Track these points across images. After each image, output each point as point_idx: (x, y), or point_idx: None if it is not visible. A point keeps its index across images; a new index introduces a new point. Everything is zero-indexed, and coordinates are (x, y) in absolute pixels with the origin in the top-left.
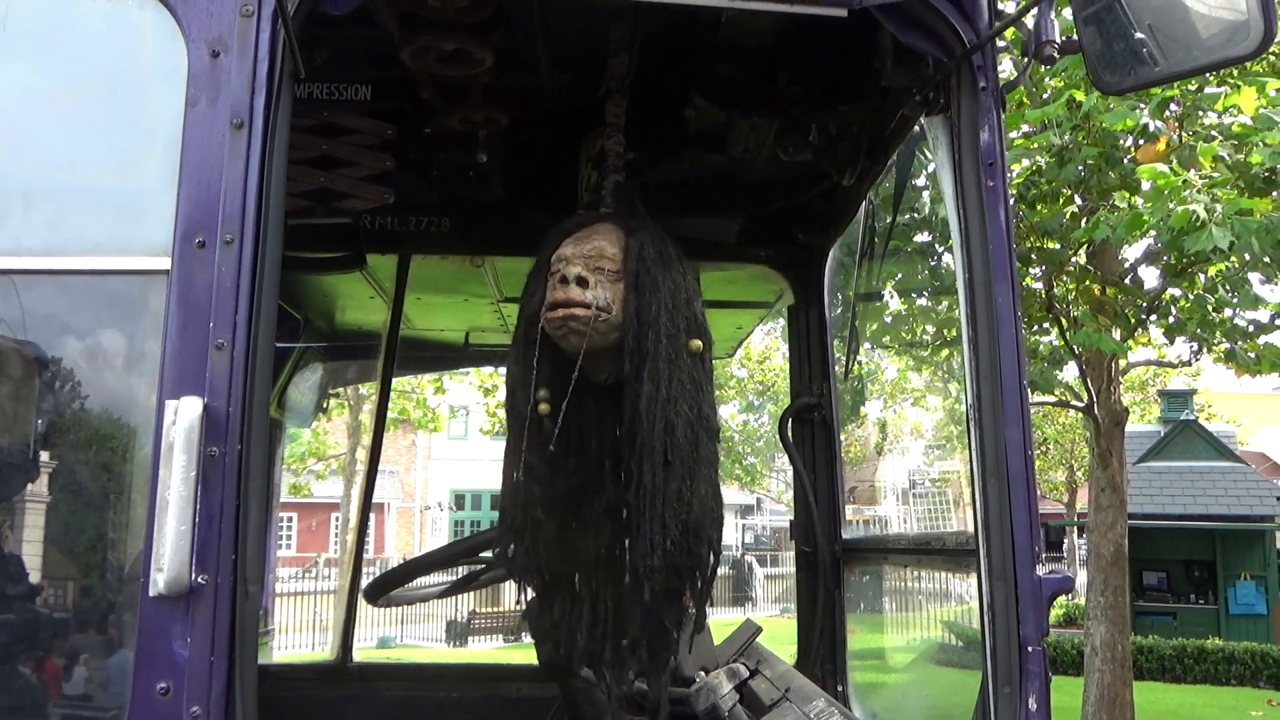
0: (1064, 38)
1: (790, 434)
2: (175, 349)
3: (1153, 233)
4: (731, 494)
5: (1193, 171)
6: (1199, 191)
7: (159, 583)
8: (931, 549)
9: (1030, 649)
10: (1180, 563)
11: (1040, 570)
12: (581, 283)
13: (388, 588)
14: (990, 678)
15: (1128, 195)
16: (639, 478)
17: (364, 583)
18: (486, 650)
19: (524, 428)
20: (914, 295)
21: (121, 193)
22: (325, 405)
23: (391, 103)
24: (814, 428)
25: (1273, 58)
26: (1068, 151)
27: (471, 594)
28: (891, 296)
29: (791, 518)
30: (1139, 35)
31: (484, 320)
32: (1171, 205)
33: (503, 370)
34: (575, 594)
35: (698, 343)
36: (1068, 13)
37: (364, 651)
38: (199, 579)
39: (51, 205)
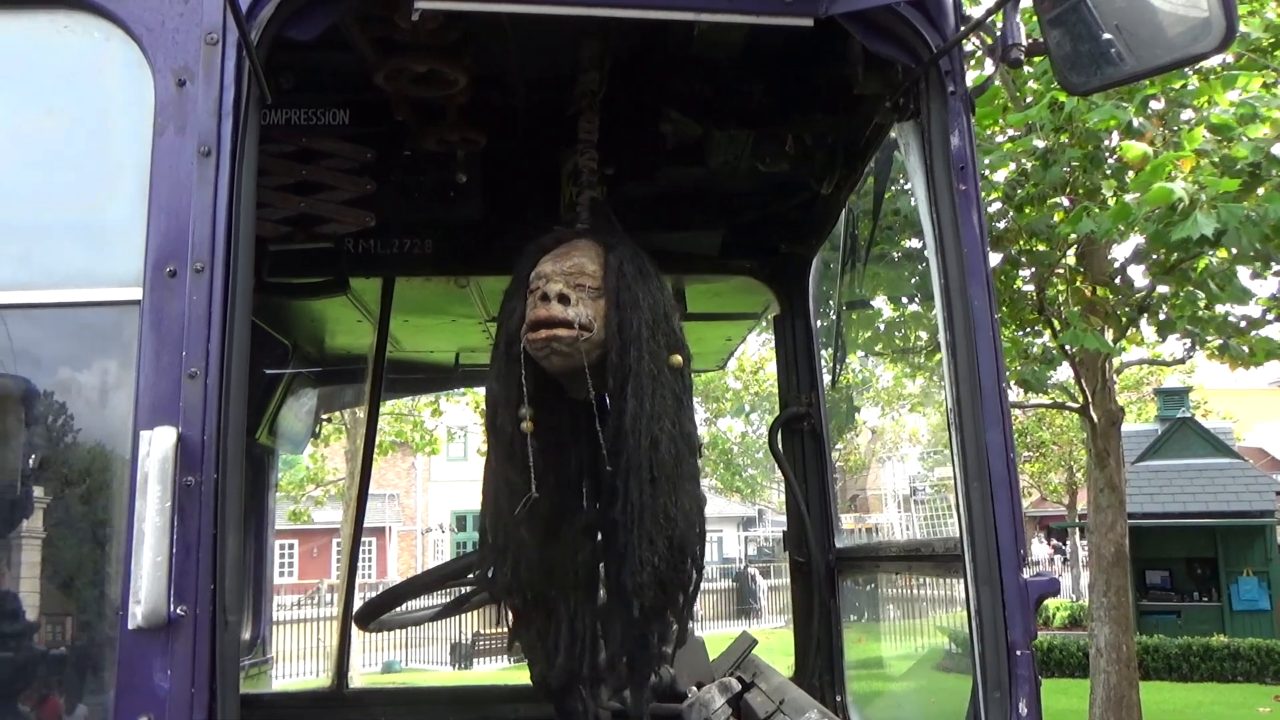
0: (1030, 40)
1: (780, 444)
2: (148, 379)
3: (1138, 229)
4: (733, 506)
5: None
6: (1184, 178)
7: (137, 615)
8: (921, 555)
9: (1019, 653)
10: (1182, 561)
11: (1026, 573)
12: (563, 300)
13: (378, 613)
14: (980, 683)
15: (1113, 183)
16: (626, 494)
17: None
18: (492, 671)
19: (508, 446)
20: (899, 301)
21: (91, 224)
22: (318, 431)
23: (369, 126)
24: (804, 437)
25: (1252, 54)
26: (1052, 154)
27: (475, 615)
28: (882, 303)
29: (785, 527)
30: (1106, 36)
31: (473, 340)
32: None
33: None
34: (554, 612)
35: (678, 358)
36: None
37: (369, 676)
38: (177, 610)
39: (21, 239)
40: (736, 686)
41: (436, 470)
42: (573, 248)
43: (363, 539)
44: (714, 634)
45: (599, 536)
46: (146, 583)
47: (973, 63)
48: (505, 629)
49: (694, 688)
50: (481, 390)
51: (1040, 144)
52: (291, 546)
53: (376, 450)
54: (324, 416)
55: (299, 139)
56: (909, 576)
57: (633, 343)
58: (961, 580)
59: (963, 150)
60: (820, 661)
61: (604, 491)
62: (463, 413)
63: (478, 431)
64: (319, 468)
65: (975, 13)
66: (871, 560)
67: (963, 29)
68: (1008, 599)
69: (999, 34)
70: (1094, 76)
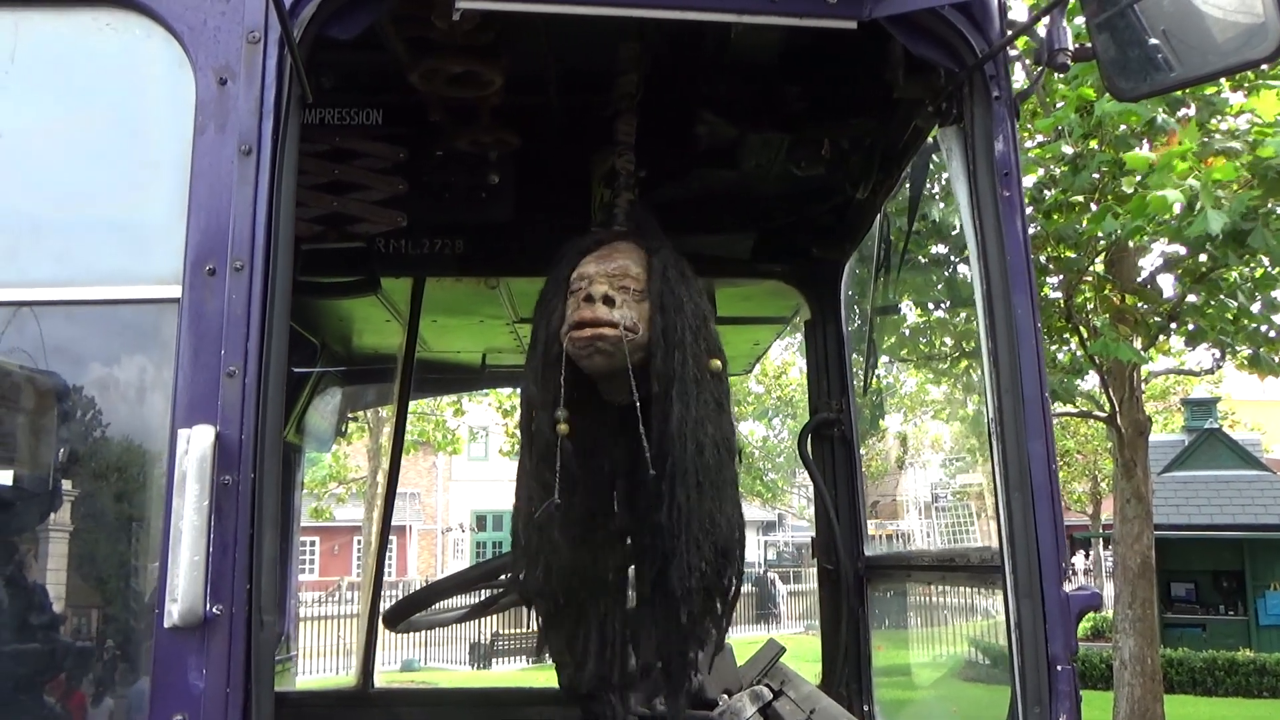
0: (1077, 45)
1: (810, 450)
2: (187, 377)
3: (1159, 232)
4: (753, 511)
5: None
6: (1192, 178)
7: (173, 614)
8: (955, 565)
9: (1059, 668)
10: (1208, 573)
11: (1068, 586)
12: (608, 301)
13: (407, 614)
14: (1019, 697)
15: (1134, 181)
16: (673, 499)
17: (384, 607)
18: (510, 672)
19: (545, 449)
20: (933, 307)
21: (131, 221)
22: (344, 429)
23: (402, 126)
24: (833, 443)
25: None
26: (1081, 159)
27: (495, 616)
28: (910, 309)
29: (813, 534)
30: (1153, 41)
31: (500, 341)
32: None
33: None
34: (584, 617)
35: (717, 362)
36: (1080, 20)
37: (388, 675)
38: (214, 609)
39: (62, 236)
40: (768, 695)
41: (457, 470)
42: (615, 250)
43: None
44: (733, 639)
45: (630, 541)
46: (183, 581)
47: None
48: (527, 630)
49: (724, 695)
50: (505, 390)
51: (1069, 150)
52: (313, 544)
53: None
54: (350, 415)
55: (332, 138)
56: (938, 587)
57: (676, 346)
58: (997, 591)
59: (1007, 156)
60: (848, 670)
61: (647, 496)
62: (484, 413)
63: (499, 432)
64: (341, 465)
65: (1017, 17)
66: (902, 569)
67: (1010, 33)
68: (1049, 612)
69: (1045, 38)
70: (1142, 83)
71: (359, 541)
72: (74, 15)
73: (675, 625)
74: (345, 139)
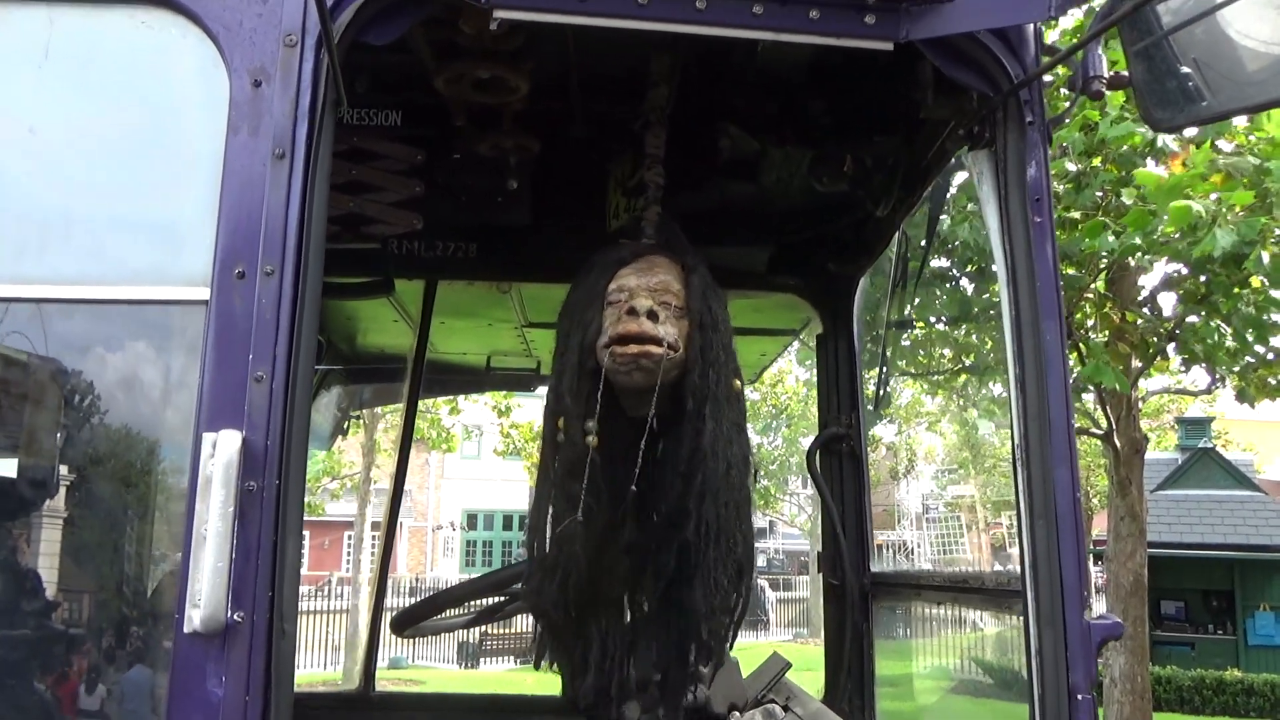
0: (1112, 73)
1: (818, 465)
2: (214, 381)
3: (1159, 252)
4: None
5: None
6: (1201, 200)
7: (195, 620)
8: (970, 588)
9: (1080, 697)
10: (1198, 592)
11: (1089, 615)
12: (653, 317)
13: (415, 621)
14: None
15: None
16: (700, 517)
17: (386, 607)
18: (498, 672)
19: (572, 461)
20: (936, 322)
21: (162, 222)
22: (347, 427)
23: (421, 128)
24: (842, 459)
25: None
26: (1084, 176)
27: None
28: (917, 326)
29: (806, 543)
30: (1185, 70)
31: (507, 345)
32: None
33: (520, 393)
34: (589, 629)
35: (738, 382)
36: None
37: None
38: (235, 616)
39: (92, 234)
40: (780, 714)
41: (450, 468)
42: (655, 264)
43: (372, 534)
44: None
45: (645, 554)
46: (206, 587)
47: None
48: (516, 631)
49: (735, 712)
50: (504, 391)
51: (1072, 167)
52: (303, 538)
53: (391, 446)
54: (353, 414)
55: (351, 138)
56: (948, 609)
57: (712, 365)
58: (1013, 615)
59: (1039, 181)
60: (850, 685)
61: (662, 511)
62: (479, 411)
63: (494, 431)
64: (334, 461)
65: (1051, 40)
66: (911, 588)
67: (1048, 60)
68: (1070, 640)
69: (1080, 65)
70: (1179, 113)
71: (349, 537)
72: (109, 12)
73: (678, 638)
74: (364, 139)
